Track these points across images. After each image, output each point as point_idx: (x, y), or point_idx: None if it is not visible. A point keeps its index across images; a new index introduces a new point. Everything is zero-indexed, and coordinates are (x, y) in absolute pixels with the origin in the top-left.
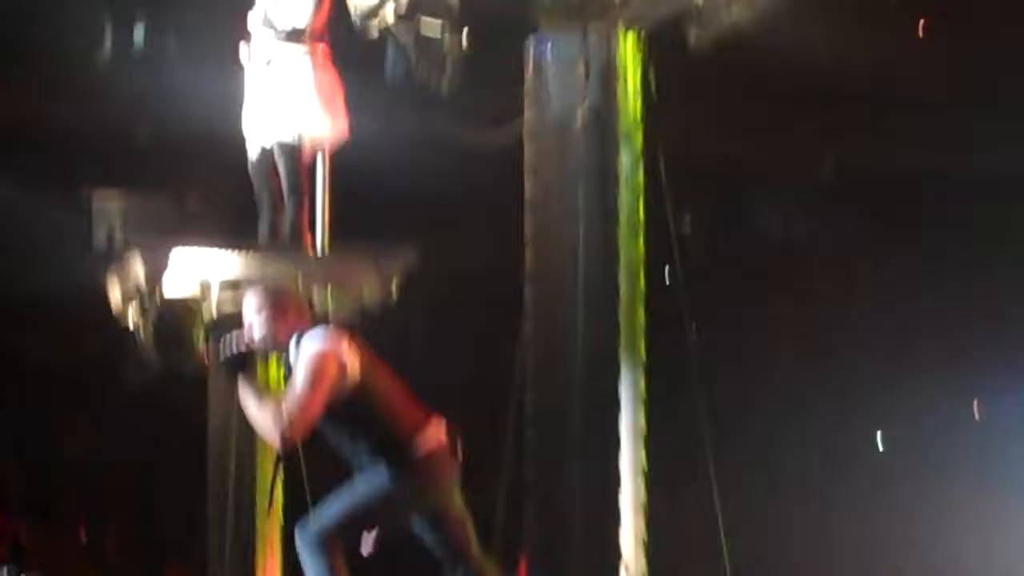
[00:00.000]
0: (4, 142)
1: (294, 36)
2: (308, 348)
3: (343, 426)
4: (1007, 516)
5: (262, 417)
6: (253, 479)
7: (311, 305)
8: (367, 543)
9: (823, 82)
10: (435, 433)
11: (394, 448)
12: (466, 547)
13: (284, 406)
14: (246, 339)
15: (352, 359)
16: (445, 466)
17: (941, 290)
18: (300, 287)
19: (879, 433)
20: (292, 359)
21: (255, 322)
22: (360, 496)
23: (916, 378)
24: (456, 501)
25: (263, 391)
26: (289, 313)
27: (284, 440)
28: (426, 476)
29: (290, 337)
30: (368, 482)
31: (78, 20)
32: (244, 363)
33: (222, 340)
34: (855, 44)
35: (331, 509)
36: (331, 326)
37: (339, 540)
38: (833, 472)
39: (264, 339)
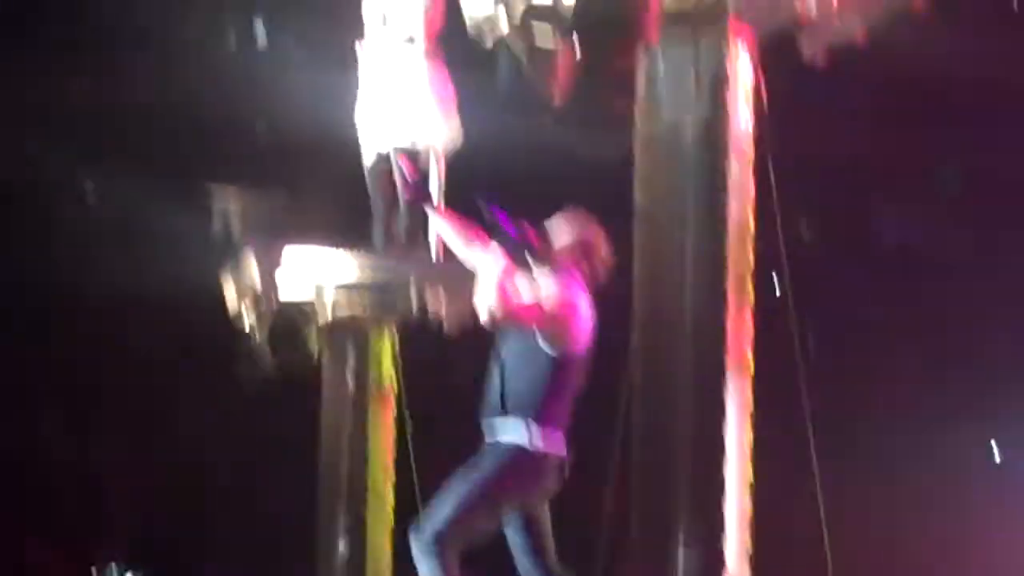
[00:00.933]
0: (123, 137)
1: (412, 42)
2: (568, 286)
3: (527, 362)
4: None
5: (490, 282)
6: (364, 479)
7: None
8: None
9: (935, 93)
10: (561, 440)
11: (541, 421)
12: (548, 555)
13: (510, 292)
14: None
15: (586, 324)
16: (555, 473)
17: None
18: (414, 292)
19: (993, 443)
20: (539, 279)
21: (552, 233)
22: (473, 483)
23: None
24: (546, 509)
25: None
26: (579, 257)
27: (491, 312)
28: (544, 476)
29: (559, 267)
30: (478, 475)
31: (202, 17)
32: (513, 242)
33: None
34: (969, 53)
35: (441, 509)
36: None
37: (453, 539)
38: (944, 480)
39: (544, 247)
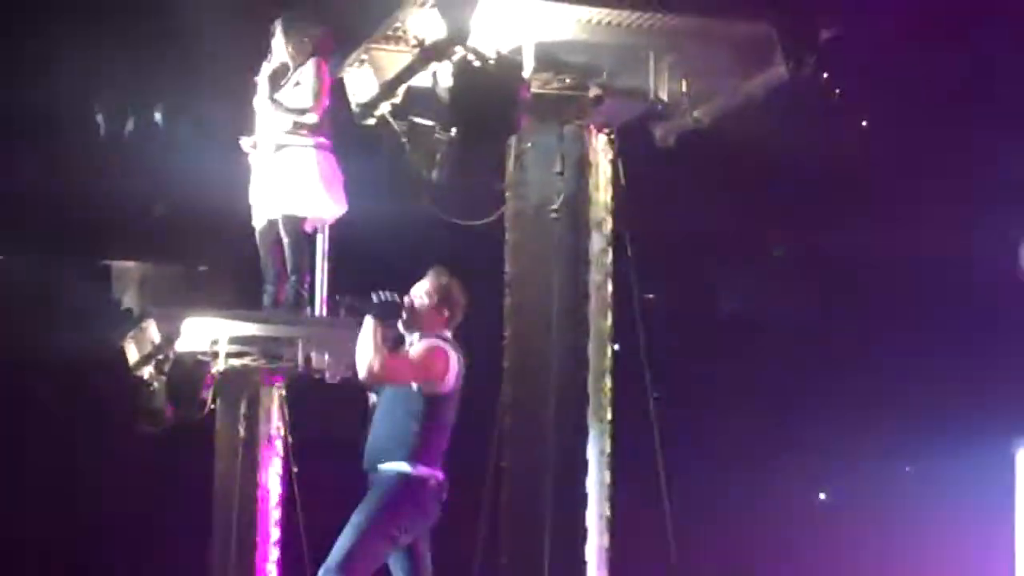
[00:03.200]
0: (31, 215)
1: (298, 127)
2: (435, 340)
3: (403, 405)
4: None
5: (367, 347)
6: (254, 521)
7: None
8: None
9: (772, 170)
10: (439, 466)
11: (419, 453)
12: None
13: (385, 353)
14: (405, 302)
15: (455, 371)
16: (436, 501)
17: (879, 361)
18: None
19: (820, 488)
20: (410, 341)
21: (418, 297)
22: (358, 523)
23: (853, 440)
24: (427, 542)
25: (375, 335)
26: (444, 313)
27: (371, 371)
28: (421, 499)
29: (425, 328)
30: (364, 507)
31: (101, 99)
32: (387, 313)
33: (379, 292)
34: (801, 137)
35: (343, 542)
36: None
37: (357, 569)
38: (775, 518)
39: (412, 314)
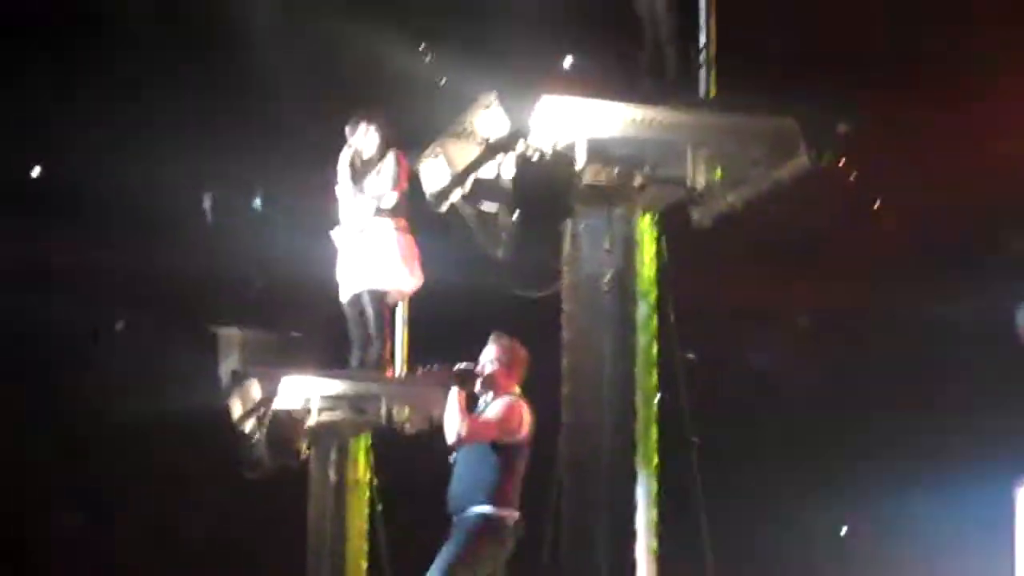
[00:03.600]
0: (152, 289)
1: (380, 211)
2: (508, 398)
3: (481, 456)
4: None
5: (454, 414)
6: (343, 555)
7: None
8: None
9: (798, 249)
10: (515, 506)
11: (497, 497)
12: None
13: (471, 417)
14: (477, 368)
15: (527, 422)
16: (513, 537)
17: (893, 410)
18: (383, 404)
19: (843, 521)
20: (485, 402)
21: (489, 363)
22: (453, 552)
23: (870, 480)
24: (502, 569)
25: (461, 401)
26: (512, 372)
27: (459, 436)
28: (501, 537)
29: (498, 389)
30: (453, 542)
31: (210, 190)
32: (464, 379)
33: (461, 365)
34: (823, 219)
35: (434, 571)
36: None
37: None
38: (803, 549)
39: (486, 378)
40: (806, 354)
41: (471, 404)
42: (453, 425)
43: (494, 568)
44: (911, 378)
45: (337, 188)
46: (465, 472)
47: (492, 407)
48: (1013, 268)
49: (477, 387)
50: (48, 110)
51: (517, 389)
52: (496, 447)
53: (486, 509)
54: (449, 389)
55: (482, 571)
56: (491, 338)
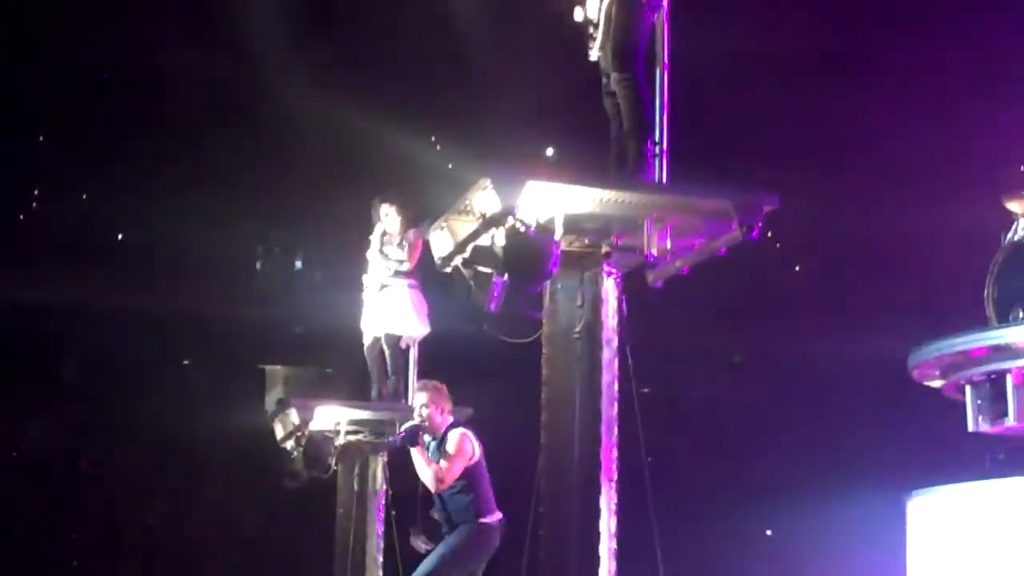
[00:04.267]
0: (209, 331)
1: (398, 273)
2: (455, 432)
3: (456, 484)
4: None
5: (424, 470)
6: (364, 550)
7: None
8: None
9: (733, 302)
10: (496, 511)
11: (481, 509)
12: None
13: (437, 466)
14: (418, 422)
15: (476, 443)
16: (499, 535)
17: (807, 433)
18: (397, 427)
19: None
20: (435, 440)
21: (424, 408)
22: (442, 554)
23: (791, 491)
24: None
25: (424, 456)
26: (442, 407)
27: (438, 484)
28: (488, 539)
29: (440, 427)
30: (448, 542)
31: (261, 249)
32: (415, 437)
33: (405, 425)
34: (752, 275)
35: (426, 566)
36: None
37: None
38: (736, 547)
39: (428, 424)
40: (739, 386)
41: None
42: (429, 478)
43: (477, 566)
44: (825, 406)
45: (367, 253)
46: (449, 500)
47: (449, 444)
48: (907, 314)
49: (427, 435)
50: (139, 186)
51: (451, 418)
52: (464, 473)
53: (475, 520)
54: (410, 451)
55: (469, 568)
56: (417, 387)
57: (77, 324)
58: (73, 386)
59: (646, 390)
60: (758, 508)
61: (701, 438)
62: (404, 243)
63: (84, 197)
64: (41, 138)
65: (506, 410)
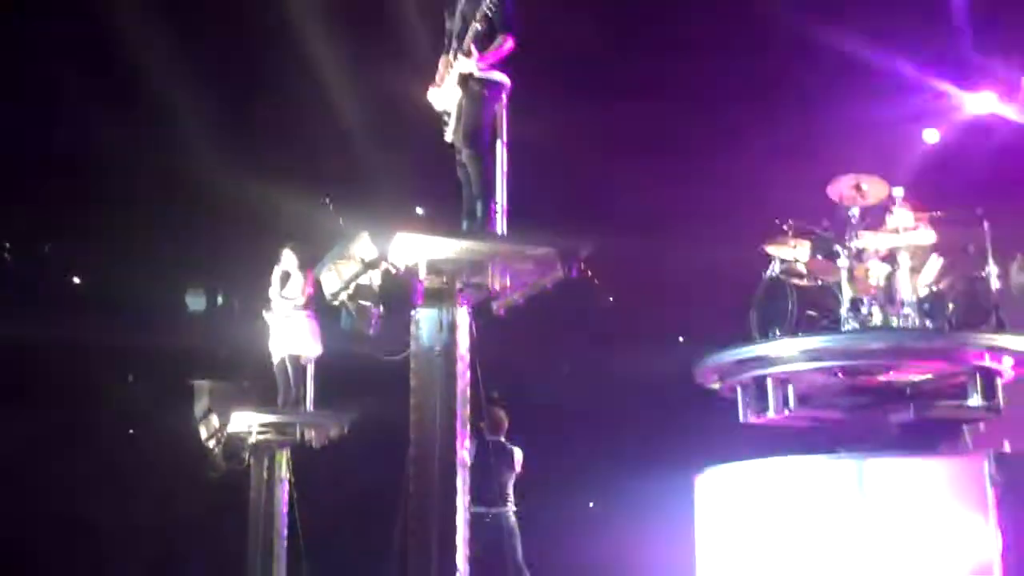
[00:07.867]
0: (146, 357)
1: (297, 305)
2: None
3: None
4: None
5: None
6: (272, 531)
7: None
8: None
9: (561, 327)
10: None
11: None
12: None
13: None
14: None
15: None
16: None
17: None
18: (299, 428)
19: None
20: None
21: None
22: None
23: (608, 469)
24: None
25: None
26: None
27: None
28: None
29: None
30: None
31: (185, 287)
32: None
33: None
34: (574, 304)
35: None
36: None
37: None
38: (565, 517)
39: None
40: (570, 389)
41: None
42: None
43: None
44: (641, 404)
45: (270, 290)
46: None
47: None
48: (689, 332)
49: None
50: (98, 237)
51: None
52: None
53: None
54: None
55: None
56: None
57: (41, 354)
58: (34, 399)
59: (494, 394)
60: (584, 485)
61: (539, 429)
62: (301, 282)
63: (46, 249)
64: None
65: (384, 412)
